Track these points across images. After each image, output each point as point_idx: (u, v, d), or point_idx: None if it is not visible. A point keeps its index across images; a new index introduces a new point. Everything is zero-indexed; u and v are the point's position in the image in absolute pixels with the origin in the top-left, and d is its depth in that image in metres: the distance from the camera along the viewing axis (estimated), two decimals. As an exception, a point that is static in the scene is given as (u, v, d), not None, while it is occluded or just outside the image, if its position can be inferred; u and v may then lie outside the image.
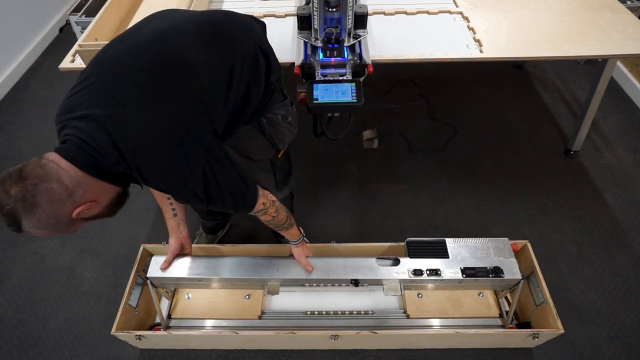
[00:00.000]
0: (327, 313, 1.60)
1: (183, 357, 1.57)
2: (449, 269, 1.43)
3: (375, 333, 1.43)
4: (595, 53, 1.62)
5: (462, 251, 1.47)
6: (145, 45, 0.98)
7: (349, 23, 1.39)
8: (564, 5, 1.84)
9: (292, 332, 1.47)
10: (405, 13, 1.83)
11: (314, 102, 1.36)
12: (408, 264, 1.45)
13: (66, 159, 0.89)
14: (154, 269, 1.46)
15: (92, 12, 1.83)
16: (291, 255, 1.49)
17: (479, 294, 1.63)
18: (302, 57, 1.45)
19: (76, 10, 1.89)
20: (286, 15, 1.82)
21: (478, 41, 1.65)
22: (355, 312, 1.59)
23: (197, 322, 1.61)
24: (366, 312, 1.60)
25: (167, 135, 0.92)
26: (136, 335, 1.42)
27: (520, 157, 2.24)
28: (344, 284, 1.49)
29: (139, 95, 0.92)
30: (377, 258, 1.48)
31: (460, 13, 1.81)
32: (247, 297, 1.64)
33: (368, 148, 2.32)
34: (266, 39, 1.20)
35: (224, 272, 1.47)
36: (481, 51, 1.61)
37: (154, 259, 1.49)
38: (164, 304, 1.64)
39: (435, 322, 1.58)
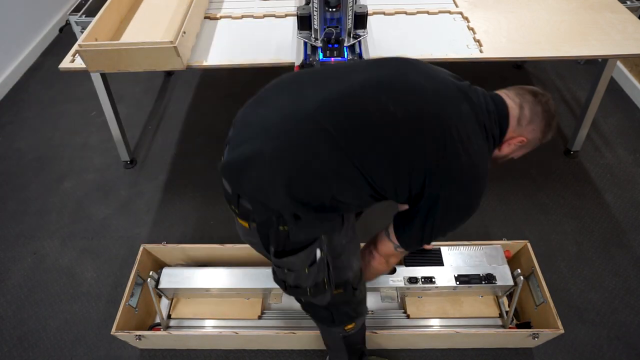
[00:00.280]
0: (327, 313, 1.60)
1: (183, 357, 1.57)
2: (444, 277, 1.49)
3: (376, 333, 1.44)
4: (595, 53, 1.62)
5: (456, 259, 1.53)
6: None
7: (349, 23, 1.39)
8: (564, 5, 1.84)
9: (292, 332, 1.48)
10: (405, 13, 1.82)
11: (314, 102, 1.36)
12: (404, 272, 1.51)
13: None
14: (165, 281, 1.52)
15: (92, 12, 1.83)
16: None
17: (479, 295, 1.63)
18: (302, 57, 1.45)
19: (76, 10, 1.89)
20: (286, 15, 1.82)
21: (478, 41, 1.65)
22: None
23: (197, 322, 1.61)
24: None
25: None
26: (136, 335, 1.42)
27: (520, 157, 2.24)
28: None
29: None
30: None
31: (460, 13, 1.81)
32: (247, 297, 1.64)
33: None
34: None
35: (231, 282, 1.54)
36: (481, 51, 1.61)
37: (165, 270, 1.55)
38: (164, 304, 1.64)
39: (435, 322, 1.58)
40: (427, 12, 1.82)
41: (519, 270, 1.47)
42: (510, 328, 1.53)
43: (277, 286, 1.49)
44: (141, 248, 1.60)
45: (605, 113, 2.44)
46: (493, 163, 1.05)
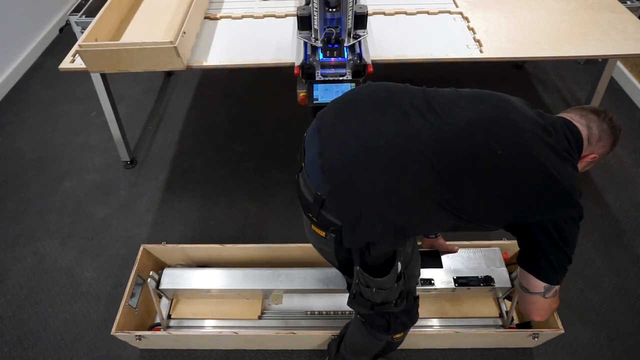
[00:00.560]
0: (327, 313, 1.60)
1: (183, 357, 1.57)
2: (442, 279, 1.50)
3: (375, 333, 1.43)
4: (595, 53, 1.62)
5: (455, 261, 1.55)
6: None
7: (349, 23, 1.39)
8: (564, 5, 1.84)
9: (292, 332, 1.48)
10: (405, 13, 1.82)
11: (314, 102, 1.36)
12: None
13: None
14: (166, 281, 1.53)
15: (92, 12, 1.83)
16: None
17: (478, 297, 1.63)
18: (302, 57, 1.45)
19: (76, 10, 1.89)
20: (286, 15, 1.82)
21: (478, 41, 1.65)
22: (355, 312, 1.60)
23: (197, 322, 1.61)
24: (366, 312, 1.60)
25: None
26: (136, 336, 1.42)
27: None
28: (344, 284, 1.50)
29: None
30: None
31: (460, 13, 1.81)
32: (247, 297, 1.64)
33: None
34: None
35: (231, 282, 1.54)
36: (481, 51, 1.61)
37: (166, 271, 1.55)
38: (164, 304, 1.64)
39: (435, 322, 1.58)
40: (427, 12, 1.82)
41: (519, 270, 1.47)
42: (510, 328, 1.53)
43: (277, 287, 1.52)
44: (141, 248, 1.61)
45: (605, 113, 2.44)
46: None
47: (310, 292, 1.58)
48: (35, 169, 2.25)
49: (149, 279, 1.47)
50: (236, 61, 1.60)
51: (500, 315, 1.58)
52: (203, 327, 1.60)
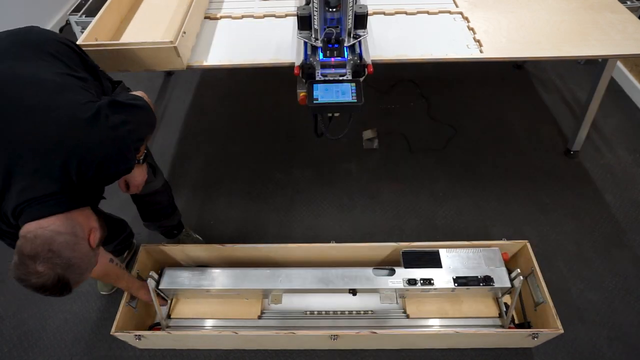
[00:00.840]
0: (327, 313, 1.60)
1: (183, 357, 1.57)
2: (442, 279, 1.51)
3: (375, 333, 1.44)
4: (595, 53, 1.62)
5: (454, 261, 1.55)
6: None
7: (349, 23, 1.39)
8: (564, 5, 1.84)
9: (292, 332, 1.48)
10: (405, 13, 1.82)
11: (314, 102, 1.36)
12: (403, 273, 1.53)
13: (41, 219, 0.96)
14: (166, 281, 1.54)
15: (92, 12, 1.83)
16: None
17: (477, 297, 1.63)
18: (302, 57, 1.45)
19: (76, 10, 1.89)
20: (286, 15, 1.82)
21: (478, 41, 1.65)
22: (355, 312, 1.60)
23: (196, 322, 1.61)
24: (366, 312, 1.60)
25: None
26: (136, 335, 1.42)
27: (521, 157, 2.24)
28: (343, 284, 1.51)
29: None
30: (374, 268, 1.55)
31: (460, 13, 1.81)
32: (246, 297, 1.64)
33: (368, 148, 2.32)
34: None
35: (230, 282, 1.54)
36: (481, 51, 1.61)
37: (166, 271, 1.56)
38: (164, 304, 1.64)
39: (435, 322, 1.58)
40: (427, 12, 1.82)
41: (518, 270, 1.48)
42: (509, 328, 1.53)
43: (277, 287, 1.52)
44: (141, 248, 1.61)
45: (605, 113, 2.44)
46: None
47: (309, 292, 1.58)
48: (35, 168, 2.25)
49: (148, 279, 1.47)
50: (236, 61, 1.60)
51: (500, 315, 1.58)
52: (203, 327, 1.60)
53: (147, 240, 1.87)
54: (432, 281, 1.50)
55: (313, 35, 1.44)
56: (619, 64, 2.65)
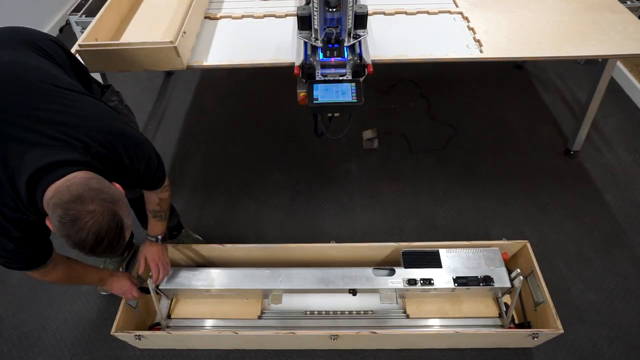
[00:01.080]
0: (327, 313, 1.60)
1: (183, 357, 1.57)
2: (442, 279, 1.51)
3: (375, 333, 1.44)
4: (595, 53, 1.62)
5: (454, 261, 1.55)
6: None
7: (349, 23, 1.39)
8: (564, 5, 1.84)
9: (292, 332, 1.48)
10: (405, 13, 1.82)
11: (314, 102, 1.36)
12: (403, 273, 1.53)
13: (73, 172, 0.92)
14: (166, 281, 1.53)
15: (92, 12, 1.83)
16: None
17: (477, 297, 1.63)
18: (302, 57, 1.45)
19: (76, 10, 1.89)
20: (286, 15, 1.82)
21: (478, 41, 1.65)
22: (355, 312, 1.60)
23: (196, 322, 1.61)
24: (366, 312, 1.60)
25: None
26: (136, 335, 1.42)
27: (520, 157, 2.24)
28: (343, 284, 1.51)
29: None
30: (374, 268, 1.55)
31: (460, 13, 1.81)
32: (246, 297, 1.64)
33: (368, 148, 2.32)
34: None
35: (230, 282, 1.54)
36: (481, 51, 1.61)
37: None
38: (164, 304, 1.64)
39: (435, 322, 1.58)
40: (427, 12, 1.82)
41: (518, 270, 1.48)
42: (509, 328, 1.53)
43: (277, 287, 1.52)
44: (141, 248, 1.60)
45: (605, 113, 2.44)
46: None
47: (309, 292, 1.58)
48: (35, 168, 2.25)
49: (149, 279, 1.47)
50: (236, 61, 1.60)
51: (500, 315, 1.58)
52: (203, 327, 1.60)
53: (147, 240, 1.88)
54: (432, 281, 1.50)
55: (313, 35, 1.44)
56: (619, 64, 2.65)
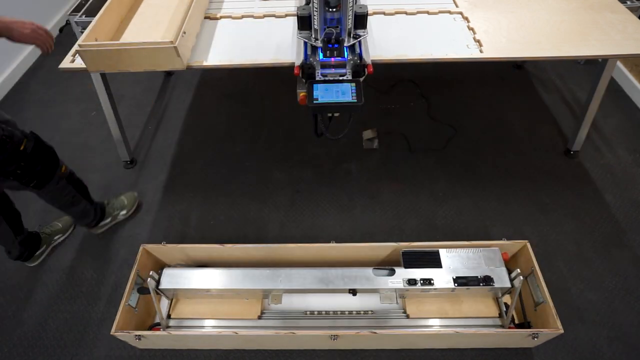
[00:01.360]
0: (327, 313, 1.60)
1: (183, 357, 1.57)
2: (442, 279, 1.50)
3: (375, 333, 1.44)
4: (595, 53, 1.62)
5: (454, 261, 1.55)
6: None
7: (349, 23, 1.39)
8: (564, 5, 1.84)
9: (292, 332, 1.48)
10: (405, 13, 1.82)
11: (314, 102, 1.36)
12: (403, 273, 1.52)
13: None
14: (166, 281, 1.53)
15: (92, 12, 1.83)
16: None
17: (477, 297, 1.63)
18: (302, 57, 1.45)
19: (76, 10, 1.89)
20: (286, 15, 1.82)
21: (478, 41, 1.65)
22: (355, 312, 1.60)
23: (196, 322, 1.61)
24: (366, 312, 1.60)
25: None
26: (136, 336, 1.42)
27: (520, 157, 2.24)
28: (343, 284, 1.51)
29: None
30: (374, 268, 1.55)
31: (460, 13, 1.81)
32: (246, 297, 1.64)
33: (368, 148, 2.32)
34: None
35: (230, 282, 1.54)
36: (481, 51, 1.61)
37: (166, 271, 1.55)
38: (164, 304, 1.64)
39: (435, 322, 1.58)
40: (427, 12, 1.82)
41: (518, 271, 1.48)
42: (509, 328, 1.53)
43: (277, 287, 1.52)
44: (141, 248, 1.61)
45: (605, 113, 2.44)
46: None
47: (309, 292, 1.58)
48: (35, 168, 2.25)
49: (148, 279, 1.47)
50: (236, 61, 1.60)
51: (500, 315, 1.58)
52: (203, 327, 1.60)
53: (147, 240, 1.88)
54: (432, 281, 1.50)
55: (313, 35, 1.44)
56: (619, 64, 2.65)
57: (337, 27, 1.40)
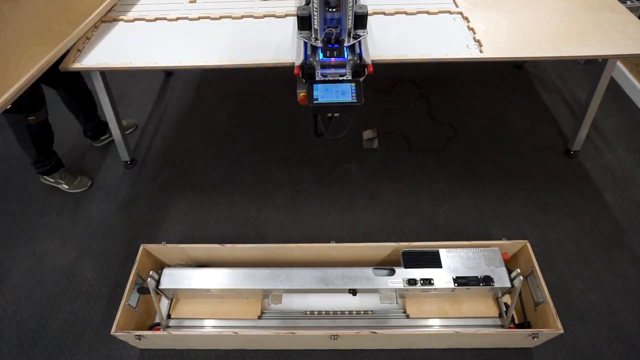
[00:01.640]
0: (327, 313, 1.60)
1: (183, 357, 1.57)
2: (442, 279, 1.51)
3: (375, 333, 1.44)
4: (595, 53, 1.62)
5: (454, 261, 1.55)
6: None
7: (349, 23, 1.39)
8: (564, 5, 1.84)
9: (292, 332, 1.48)
10: (405, 13, 1.83)
11: (314, 102, 1.37)
12: (403, 273, 1.53)
13: None
14: (166, 281, 1.53)
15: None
16: None
17: (477, 297, 1.63)
18: (302, 57, 1.45)
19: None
20: (286, 15, 1.82)
21: (478, 41, 1.65)
22: (355, 312, 1.60)
23: (196, 322, 1.61)
24: (366, 312, 1.60)
25: None
26: (136, 335, 1.42)
27: (520, 157, 2.24)
28: (343, 284, 1.51)
29: None
30: (374, 268, 1.55)
31: (460, 13, 1.81)
32: (246, 297, 1.64)
33: (368, 148, 2.32)
34: None
35: (230, 282, 1.54)
36: (481, 51, 1.61)
37: (166, 271, 1.55)
38: (164, 304, 1.64)
39: (435, 322, 1.58)
40: (427, 12, 1.82)
41: (518, 270, 1.48)
42: (509, 328, 1.53)
43: (277, 287, 1.52)
44: (141, 248, 1.61)
45: (605, 113, 2.44)
46: None
47: (309, 292, 1.58)
48: (35, 168, 2.25)
49: (148, 279, 1.47)
50: (236, 61, 1.61)
51: (500, 315, 1.58)
52: (203, 327, 1.60)
53: (147, 240, 1.88)
54: (432, 281, 1.50)
55: (313, 35, 1.45)
56: (619, 64, 2.65)
57: (337, 27, 1.40)
